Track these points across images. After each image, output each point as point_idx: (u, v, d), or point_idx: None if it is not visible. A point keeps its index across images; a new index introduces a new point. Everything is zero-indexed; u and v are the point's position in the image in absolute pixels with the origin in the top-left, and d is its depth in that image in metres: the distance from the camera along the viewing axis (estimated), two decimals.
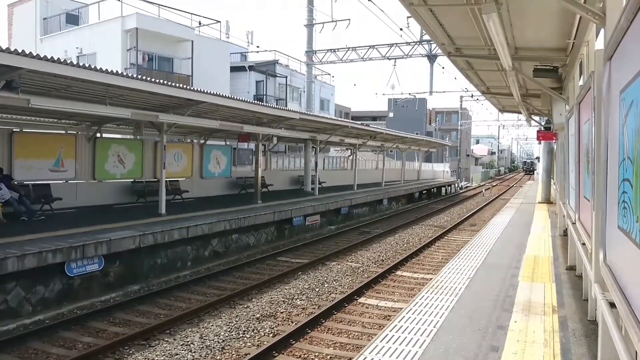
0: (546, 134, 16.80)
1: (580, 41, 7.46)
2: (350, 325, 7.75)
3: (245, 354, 6.42)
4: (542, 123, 21.80)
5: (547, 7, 6.54)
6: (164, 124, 12.68)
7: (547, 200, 20.52)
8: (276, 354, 6.49)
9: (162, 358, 6.33)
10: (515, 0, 6.37)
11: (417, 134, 42.60)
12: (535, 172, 59.06)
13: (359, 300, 9.08)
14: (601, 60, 3.18)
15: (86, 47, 24.27)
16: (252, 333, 7.25)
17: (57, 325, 7.36)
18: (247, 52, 36.16)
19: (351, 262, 12.39)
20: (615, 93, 2.61)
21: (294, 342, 6.90)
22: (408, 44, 23.79)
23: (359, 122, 25.15)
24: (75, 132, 14.06)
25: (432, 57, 24.40)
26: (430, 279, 8.75)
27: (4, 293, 7.57)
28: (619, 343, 2.41)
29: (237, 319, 7.82)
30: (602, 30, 4.54)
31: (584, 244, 5.30)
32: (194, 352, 6.51)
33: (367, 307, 8.71)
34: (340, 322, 7.89)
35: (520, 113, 22.94)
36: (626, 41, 2.33)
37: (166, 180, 13.78)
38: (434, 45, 22.52)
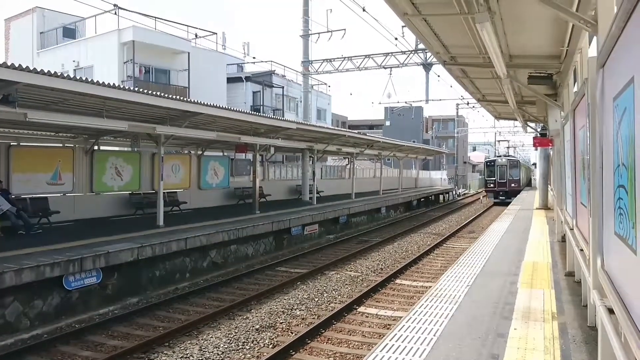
0: (542, 140, 16.89)
1: (573, 48, 7.53)
2: (350, 335, 7.72)
3: None
4: (538, 129, 21.93)
5: (540, 15, 6.60)
6: (162, 135, 12.71)
7: (545, 206, 20.53)
8: None
9: None
10: (508, 9, 6.44)
11: (414, 142, 42.75)
12: (532, 183, 44.52)
13: (358, 310, 9.04)
14: (594, 67, 3.20)
15: (83, 60, 24.38)
16: (252, 344, 7.21)
17: (55, 340, 7.30)
18: (244, 63, 36.31)
19: (350, 271, 12.35)
20: (609, 100, 2.63)
21: (293, 352, 6.86)
22: (403, 52, 23.90)
23: (356, 131, 25.24)
24: (72, 145, 14.06)
25: (427, 66, 24.53)
26: (430, 287, 8.72)
27: (1, 307, 7.53)
28: (618, 350, 2.40)
29: (236, 331, 7.78)
30: (594, 38, 4.60)
31: (581, 250, 5.30)
32: None
33: (367, 317, 8.67)
34: (340, 332, 7.86)
35: (516, 120, 23.05)
36: (618, 49, 2.35)
37: (164, 192, 13.77)
38: (429, 54, 22.65)
